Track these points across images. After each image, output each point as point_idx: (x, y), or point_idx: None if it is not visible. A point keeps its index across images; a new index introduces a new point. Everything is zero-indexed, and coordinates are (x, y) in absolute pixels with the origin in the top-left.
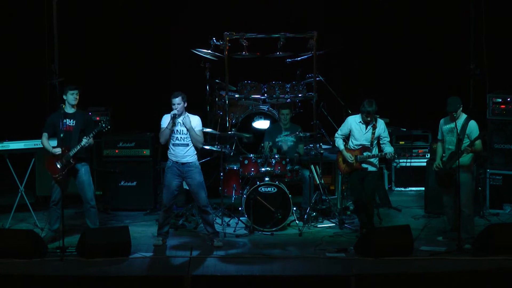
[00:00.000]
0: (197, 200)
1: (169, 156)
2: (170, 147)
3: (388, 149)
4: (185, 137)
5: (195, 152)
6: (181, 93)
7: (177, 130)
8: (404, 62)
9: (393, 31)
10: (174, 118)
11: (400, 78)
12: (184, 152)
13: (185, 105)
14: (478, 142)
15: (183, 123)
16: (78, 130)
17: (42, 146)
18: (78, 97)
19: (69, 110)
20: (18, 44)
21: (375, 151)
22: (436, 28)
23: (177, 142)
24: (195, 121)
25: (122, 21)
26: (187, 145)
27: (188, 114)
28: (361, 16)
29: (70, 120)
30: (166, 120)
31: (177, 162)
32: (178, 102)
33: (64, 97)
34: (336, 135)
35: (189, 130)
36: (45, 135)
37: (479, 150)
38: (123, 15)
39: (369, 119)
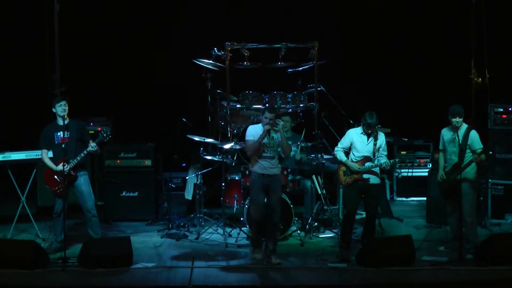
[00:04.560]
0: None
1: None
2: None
3: (384, 160)
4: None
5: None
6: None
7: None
8: (405, 72)
9: (394, 41)
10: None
11: (402, 88)
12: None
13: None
14: (482, 155)
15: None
16: (74, 140)
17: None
18: (67, 107)
19: (61, 122)
20: (20, 53)
21: (376, 162)
22: (437, 38)
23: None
24: None
25: (123, 30)
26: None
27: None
28: (362, 26)
29: (64, 132)
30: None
31: (263, 175)
32: (271, 117)
33: (54, 110)
34: (337, 148)
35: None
36: (44, 151)
37: (484, 160)
38: (124, 24)
39: (370, 131)
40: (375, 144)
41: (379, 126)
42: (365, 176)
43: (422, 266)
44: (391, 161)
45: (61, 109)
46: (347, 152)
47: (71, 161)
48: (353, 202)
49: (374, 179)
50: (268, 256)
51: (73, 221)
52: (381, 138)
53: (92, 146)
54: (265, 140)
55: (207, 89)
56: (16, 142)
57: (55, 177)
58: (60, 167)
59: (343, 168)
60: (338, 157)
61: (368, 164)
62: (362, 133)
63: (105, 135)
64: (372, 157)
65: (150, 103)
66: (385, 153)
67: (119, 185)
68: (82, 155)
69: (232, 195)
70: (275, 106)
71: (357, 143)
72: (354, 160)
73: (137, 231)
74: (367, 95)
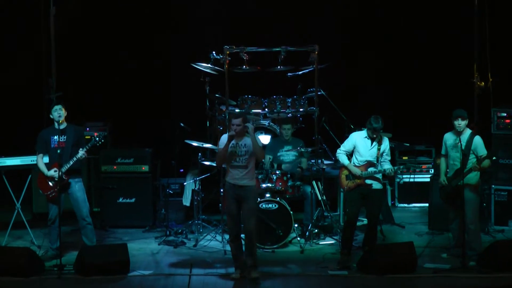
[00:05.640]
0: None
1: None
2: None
3: (387, 166)
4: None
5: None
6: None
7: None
8: (406, 76)
9: (396, 45)
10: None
11: (403, 92)
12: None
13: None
14: (486, 160)
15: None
16: (70, 145)
17: None
18: (63, 112)
19: (58, 126)
20: (15, 57)
21: (379, 167)
22: (439, 41)
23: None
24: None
25: (121, 35)
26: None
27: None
28: (363, 29)
29: (61, 136)
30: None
31: (234, 185)
32: (237, 123)
33: (51, 116)
34: (339, 150)
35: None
36: (40, 156)
37: (486, 167)
38: (122, 29)
39: (375, 135)
40: (379, 149)
41: (381, 131)
42: (368, 181)
43: (424, 273)
44: (395, 168)
45: (56, 113)
46: (349, 155)
47: (64, 165)
48: (354, 208)
49: (376, 185)
50: (248, 271)
51: (69, 228)
52: (385, 143)
53: (81, 154)
54: (233, 148)
55: (206, 93)
56: (11, 148)
57: (48, 182)
58: (51, 172)
59: (345, 172)
60: (340, 161)
61: (371, 169)
62: (366, 137)
63: (97, 139)
64: (375, 162)
65: (147, 108)
66: (389, 158)
67: (115, 191)
68: (71, 162)
69: None
70: (241, 111)
71: (361, 147)
72: (356, 164)
73: (134, 238)
74: (368, 99)
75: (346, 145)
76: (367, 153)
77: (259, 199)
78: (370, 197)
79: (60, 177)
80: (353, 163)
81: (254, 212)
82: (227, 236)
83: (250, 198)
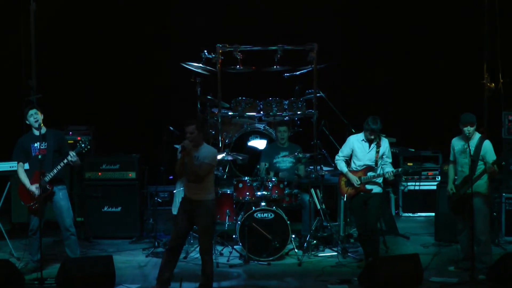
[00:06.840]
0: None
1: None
2: None
3: (388, 169)
4: None
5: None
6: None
7: None
8: (412, 77)
9: (400, 46)
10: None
11: (408, 95)
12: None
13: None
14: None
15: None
16: (51, 152)
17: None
18: (39, 116)
19: (37, 132)
20: None
21: (379, 171)
22: (447, 40)
23: None
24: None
25: (108, 34)
26: None
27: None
28: (366, 29)
29: (41, 143)
30: None
31: (186, 199)
32: (189, 131)
33: (27, 121)
34: (337, 157)
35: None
36: (20, 165)
37: (496, 172)
38: (109, 28)
39: (372, 137)
40: (377, 152)
41: (384, 135)
42: (368, 186)
43: (430, 287)
44: (394, 170)
45: (33, 119)
46: (348, 161)
47: (47, 174)
48: (361, 214)
49: (376, 189)
50: None
51: (51, 239)
52: (385, 145)
53: (72, 155)
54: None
55: (197, 95)
56: None
57: (30, 192)
58: (32, 188)
59: (345, 178)
60: (338, 167)
61: (370, 174)
62: (363, 140)
63: (83, 145)
64: (374, 166)
65: (134, 111)
66: (390, 160)
67: (100, 199)
68: (59, 167)
69: (224, 210)
70: (195, 119)
71: (358, 150)
72: (355, 169)
73: (120, 249)
74: (370, 102)
75: (344, 150)
76: (365, 157)
77: (253, 207)
78: (369, 201)
79: (44, 187)
80: (352, 168)
81: (208, 231)
82: (219, 248)
83: (203, 215)
